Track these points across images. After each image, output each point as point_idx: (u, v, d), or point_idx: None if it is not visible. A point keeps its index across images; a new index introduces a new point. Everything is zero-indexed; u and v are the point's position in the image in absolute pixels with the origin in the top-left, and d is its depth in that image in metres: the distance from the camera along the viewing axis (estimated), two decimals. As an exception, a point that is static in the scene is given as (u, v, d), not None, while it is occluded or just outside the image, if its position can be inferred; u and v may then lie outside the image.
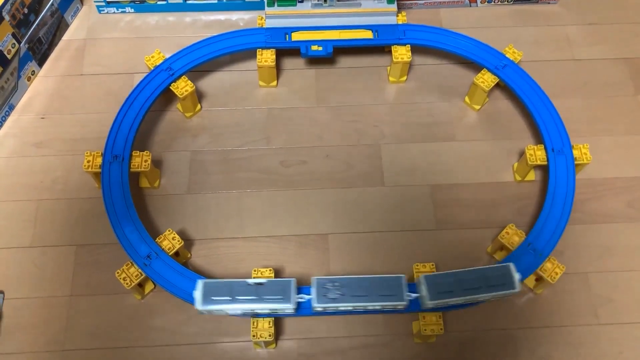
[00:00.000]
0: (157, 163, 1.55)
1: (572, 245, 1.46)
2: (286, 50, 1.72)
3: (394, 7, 1.60)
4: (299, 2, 1.60)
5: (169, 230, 1.36)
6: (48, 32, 1.67)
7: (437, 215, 1.51)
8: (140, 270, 1.31)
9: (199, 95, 1.64)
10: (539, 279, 1.39)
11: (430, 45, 1.62)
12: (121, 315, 1.38)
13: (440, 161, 1.58)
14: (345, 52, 1.73)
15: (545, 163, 1.46)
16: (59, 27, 1.71)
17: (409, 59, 1.60)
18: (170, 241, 1.35)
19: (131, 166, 1.42)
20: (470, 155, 1.59)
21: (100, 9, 1.76)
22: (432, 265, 1.34)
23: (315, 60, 1.72)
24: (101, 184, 1.39)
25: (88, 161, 1.42)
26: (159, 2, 1.75)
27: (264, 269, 1.32)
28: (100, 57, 1.70)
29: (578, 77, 1.71)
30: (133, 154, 1.43)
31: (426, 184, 1.55)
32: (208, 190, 1.53)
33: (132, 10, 1.76)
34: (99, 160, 1.42)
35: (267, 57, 1.58)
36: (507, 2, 1.81)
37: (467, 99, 1.65)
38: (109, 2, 1.74)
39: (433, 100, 1.66)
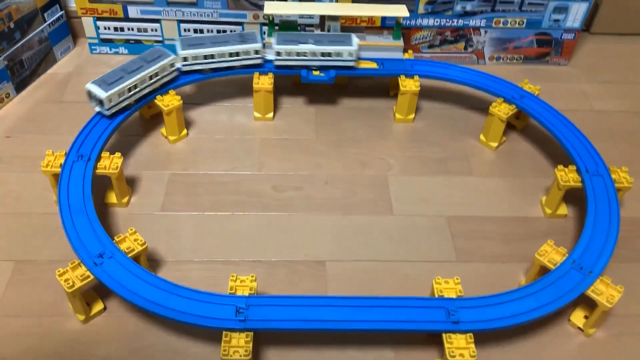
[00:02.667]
0: (129, 181, 1.34)
1: (625, 284, 1.19)
2: (285, 89, 1.61)
3: (400, 42, 1.52)
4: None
5: (131, 230, 1.11)
6: (33, 58, 1.56)
7: (457, 246, 1.26)
8: (88, 271, 1.03)
9: (187, 124, 1.48)
10: (589, 315, 1.11)
11: (441, 77, 1.51)
12: (58, 342, 1.07)
13: (457, 194, 1.37)
14: (347, 94, 1.62)
15: (580, 185, 1.25)
16: (46, 58, 1.62)
17: (418, 89, 1.47)
18: (131, 242, 1.09)
19: (97, 167, 1.22)
20: (490, 190, 1.39)
21: (92, 48, 1.68)
22: (457, 279, 1.07)
23: (315, 98, 1.59)
24: (59, 181, 1.17)
25: (48, 161, 1.21)
26: (154, 44, 1.68)
27: (244, 277, 1.05)
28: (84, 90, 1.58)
29: (601, 125, 1.57)
30: (102, 155, 1.24)
31: (441, 215, 1.32)
32: (186, 210, 1.30)
33: (126, 51, 1.69)
34: (61, 160, 1.21)
35: (264, 80, 1.46)
36: (517, 60, 1.75)
37: (482, 136, 1.49)
38: (102, 41, 1.67)
39: (444, 139, 1.50)
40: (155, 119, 1.50)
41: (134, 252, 1.08)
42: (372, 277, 1.19)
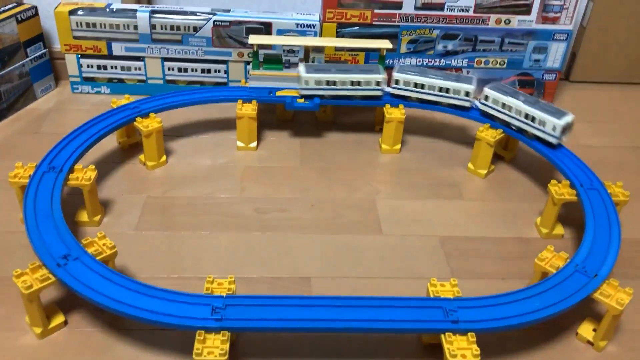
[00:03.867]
0: (103, 203, 1.26)
1: (635, 300, 1.11)
2: (269, 123, 1.58)
3: (384, 75, 1.52)
4: (286, 68, 1.52)
5: (100, 234, 1.02)
6: (11, 92, 1.53)
7: (452, 265, 1.18)
8: (50, 272, 0.94)
9: (167, 153, 1.43)
10: (597, 328, 1.02)
11: (424, 106, 1.49)
12: (9, 359, 0.95)
13: (448, 216, 1.31)
14: (333, 129, 1.59)
15: (575, 198, 1.21)
16: (25, 94, 1.59)
17: (403, 117, 1.46)
18: (99, 246, 1.01)
19: (69, 178, 1.15)
20: (482, 212, 1.33)
21: (74, 87, 1.66)
22: (454, 280, 0.98)
23: (300, 132, 1.56)
24: (25, 190, 1.10)
25: (17, 172, 1.14)
26: (138, 83, 1.66)
27: (222, 280, 0.96)
28: (63, 122, 1.54)
29: (591, 157, 1.53)
30: (75, 167, 1.17)
31: (434, 234, 1.26)
32: (161, 229, 1.22)
33: (108, 90, 1.67)
34: (31, 172, 1.15)
35: (247, 107, 1.44)
36: (500, 102, 1.75)
37: (470, 165, 1.46)
38: (85, 79, 1.65)
39: (432, 168, 1.47)
40: (134, 148, 1.45)
41: (103, 256, 0.99)
42: (361, 294, 1.10)
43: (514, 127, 1.38)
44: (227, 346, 0.85)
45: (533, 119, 1.32)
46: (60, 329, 0.99)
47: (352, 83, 1.42)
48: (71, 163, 1.17)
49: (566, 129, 1.30)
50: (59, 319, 0.99)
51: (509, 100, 1.36)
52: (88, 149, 1.24)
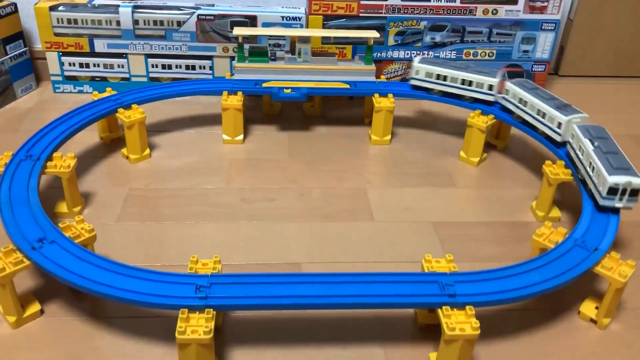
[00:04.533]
0: (84, 195, 1.22)
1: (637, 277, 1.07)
2: (255, 119, 1.55)
3: (372, 66, 1.50)
4: (272, 60, 1.49)
5: (79, 217, 0.98)
6: None
7: (447, 249, 1.14)
8: (24, 255, 0.89)
9: (151, 147, 1.39)
10: (600, 305, 0.98)
11: (415, 96, 1.47)
12: (-21, 349, 0.89)
13: (441, 203, 1.27)
14: (321, 122, 1.56)
15: (571, 178, 1.18)
16: (5, 93, 1.55)
17: (392, 105, 1.43)
18: (77, 229, 0.96)
19: (47, 166, 1.10)
20: (476, 199, 1.30)
21: (56, 86, 1.62)
22: (450, 256, 0.94)
23: (287, 126, 1.53)
24: (0, 177, 1.05)
25: (-8, 162, 1.10)
26: (121, 81, 1.63)
27: (207, 260, 0.91)
28: (43, 121, 1.46)
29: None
30: (53, 155, 1.13)
31: (427, 220, 1.22)
32: (144, 220, 1.17)
33: (91, 89, 1.63)
34: (7, 160, 1.10)
35: (233, 99, 1.40)
36: (490, 95, 1.73)
37: (462, 153, 1.43)
38: (67, 78, 1.61)
39: (423, 158, 1.43)
40: (116, 144, 1.41)
41: (81, 239, 0.94)
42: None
43: (527, 123, 1.31)
44: (212, 324, 0.80)
45: (543, 115, 1.25)
46: (36, 318, 0.94)
47: (463, 82, 1.37)
48: (49, 152, 1.13)
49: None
50: (35, 307, 0.94)
51: (526, 95, 1.29)
52: (68, 139, 1.20)
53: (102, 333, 0.92)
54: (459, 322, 0.83)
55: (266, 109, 1.59)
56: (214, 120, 1.52)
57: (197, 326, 0.80)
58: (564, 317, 1.01)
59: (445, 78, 1.40)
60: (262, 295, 0.84)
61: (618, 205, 1.04)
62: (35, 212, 0.97)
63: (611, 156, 1.07)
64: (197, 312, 0.82)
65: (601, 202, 1.04)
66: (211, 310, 0.81)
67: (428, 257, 0.94)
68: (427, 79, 1.42)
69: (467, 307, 0.84)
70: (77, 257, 0.89)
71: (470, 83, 1.38)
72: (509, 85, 1.35)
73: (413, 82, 1.44)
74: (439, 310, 0.85)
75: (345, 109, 1.64)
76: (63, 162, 1.12)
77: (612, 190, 1.03)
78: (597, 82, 1.89)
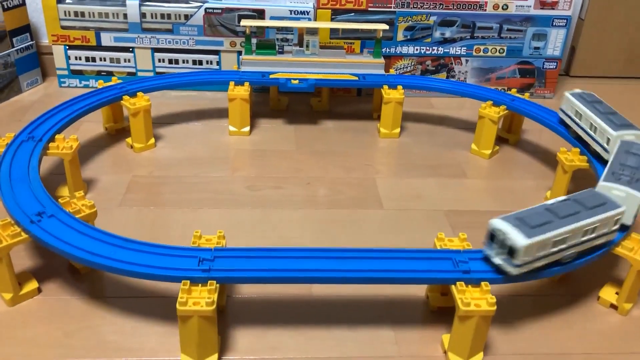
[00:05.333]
0: (87, 182, 1.19)
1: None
2: (262, 113, 1.53)
3: (381, 59, 1.47)
4: (279, 53, 1.48)
5: (79, 193, 0.95)
6: (-5, 81, 1.48)
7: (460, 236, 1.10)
8: (23, 229, 0.86)
9: (156, 138, 1.36)
10: (621, 290, 0.93)
11: (426, 87, 1.45)
12: (-27, 326, 0.86)
13: (452, 192, 1.24)
14: (329, 117, 1.53)
15: (587, 165, 1.14)
16: (10, 85, 1.53)
17: (402, 97, 1.40)
18: (77, 205, 0.93)
19: (49, 147, 1.08)
20: (488, 189, 1.26)
21: (62, 80, 1.61)
22: (463, 234, 0.90)
23: (295, 120, 1.50)
24: (1, 157, 1.02)
25: (-8, 142, 1.07)
26: (127, 76, 1.61)
27: (211, 236, 0.88)
28: None
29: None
30: (56, 137, 1.10)
31: (438, 209, 1.18)
32: (147, 205, 1.14)
33: (97, 84, 1.61)
34: (8, 142, 1.08)
35: (240, 89, 1.38)
36: (500, 93, 1.71)
37: (473, 145, 1.39)
38: (73, 73, 1.60)
39: (433, 150, 1.40)
40: (121, 134, 1.38)
41: (81, 215, 0.91)
42: (363, 264, 1.02)
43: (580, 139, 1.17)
44: (214, 296, 0.76)
45: (595, 130, 1.11)
46: (33, 296, 0.91)
47: (591, 126, 1.11)
48: (52, 134, 1.11)
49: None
50: (32, 285, 0.91)
51: (581, 107, 1.15)
52: (71, 122, 1.18)
53: (100, 312, 0.89)
54: (474, 298, 0.79)
55: (273, 104, 1.57)
56: (220, 114, 1.50)
57: (199, 298, 0.76)
58: (582, 302, 0.96)
59: (581, 117, 1.17)
60: (268, 269, 0.81)
61: None
62: (35, 188, 0.94)
63: (611, 117, 1.08)
64: (200, 285, 0.78)
65: (608, 156, 1.05)
66: (214, 282, 0.78)
67: (441, 235, 0.91)
68: (568, 113, 1.21)
69: (483, 283, 0.80)
70: (77, 230, 0.86)
71: (595, 129, 1.13)
72: (567, 96, 1.21)
73: (561, 114, 1.24)
74: (453, 286, 0.81)
75: (353, 104, 1.62)
76: (65, 143, 1.09)
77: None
78: (608, 82, 1.86)
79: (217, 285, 0.78)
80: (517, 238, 0.78)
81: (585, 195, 0.89)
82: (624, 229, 0.92)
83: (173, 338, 0.83)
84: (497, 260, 0.82)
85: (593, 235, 0.85)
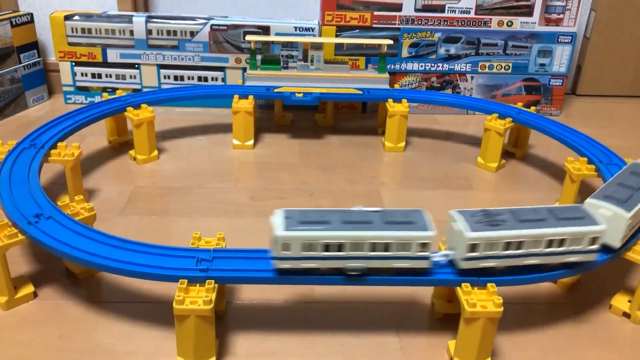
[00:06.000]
0: (89, 191, 1.18)
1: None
2: (267, 128, 1.52)
3: (386, 75, 1.47)
4: (284, 68, 1.48)
5: (79, 197, 0.93)
6: (1, 96, 1.49)
7: (464, 245, 1.07)
8: (20, 230, 0.84)
9: (159, 151, 1.36)
10: (633, 297, 0.90)
11: (428, 101, 1.44)
12: (-34, 330, 0.83)
13: (458, 204, 1.22)
14: (333, 132, 1.53)
15: (595, 174, 1.12)
16: (16, 100, 1.54)
17: (407, 110, 1.39)
18: (76, 208, 0.91)
19: (51, 154, 1.07)
20: (495, 201, 1.24)
21: (67, 97, 1.62)
22: (468, 238, 0.88)
23: (299, 134, 1.50)
24: (2, 162, 1.02)
25: (-6, 149, 1.07)
26: (132, 93, 1.62)
27: (211, 238, 0.86)
28: None
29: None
30: (58, 144, 1.10)
31: (443, 219, 1.15)
32: (149, 214, 1.13)
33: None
34: (10, 148, 1.07)
35: (244, 102, 1.38)
36: (506, 111, 1.70)
37: (480, 159, 1.38)
38: (79, 89, 1.61)
39: (439, 164, 1.39)
40: (124, 147, 1.38)
41: (80, 217, 0.89)
42: (367, 272, 0.99)
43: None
44: (212, 295, 0.74)
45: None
46: (29, 300, 0.89)
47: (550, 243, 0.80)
48: (54, 142, 1.10)
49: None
50: (28, 289, 0.89)
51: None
52: (74, 131, 1.18)
53: (97, 316, 0.87)
54: (480, 299, 0.76)
55: (278, 119, 1.56)
56: (225, 129, 1.50)
57: (196, 297, 0.74)
58: (594, 311, 0.93)
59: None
60: (267, 269, 0.78)
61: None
62: (34, 191, 0.93)
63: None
64: (198, 285, 0.76)
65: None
66: (212, 281, 0.75)
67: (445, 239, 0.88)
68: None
69: (489, 285, 0.78)
70: (74, 231, 0.84)
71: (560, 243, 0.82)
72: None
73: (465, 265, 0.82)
74: (458, 288, 0.78)
75: (358, 120, 1.61)
76: (67, 151, 1.09)
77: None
78: (615, 101, 1.85)
79: (216, 285, 0.76)
80: (464, 230, 0.76)
81: (566, 208, 0.83)
82: (611, 252, 0.85)
83: (170, 342, 0.81)
84: (447, 252, 0.80)
85: (561, 249, 0.79)
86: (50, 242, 0.82)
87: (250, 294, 0.92)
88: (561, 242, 0.79)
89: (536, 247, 0.78)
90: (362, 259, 0.76)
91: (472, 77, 1.65)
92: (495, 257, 0.78)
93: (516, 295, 0.95)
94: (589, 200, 0.87)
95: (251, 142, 1.41)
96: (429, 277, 0.80)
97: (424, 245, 0.76)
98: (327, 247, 0.75)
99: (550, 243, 0.78)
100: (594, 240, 0.80)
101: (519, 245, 0.78)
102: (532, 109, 1.39)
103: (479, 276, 0.79)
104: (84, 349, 0.81)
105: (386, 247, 0.76)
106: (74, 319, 0.86)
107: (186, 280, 0.75)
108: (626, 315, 0.91)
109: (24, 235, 0.84)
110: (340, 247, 0.75)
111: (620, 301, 0.93)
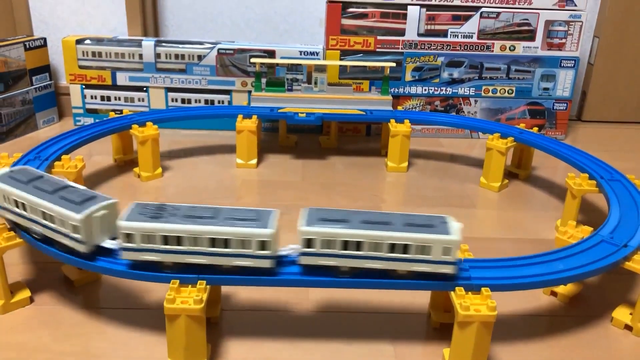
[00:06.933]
0: (91, 205, 1.20)
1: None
2: (271, 148, 1.54)
3: (389, 97, 1.49)
4: (288, 90, 1.50)
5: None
6: (12, 116, 1.52)
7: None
8: (15, 234, 0.85)
9: (164, 169, 1.38)
10: (634, 309, 0.88)
11: (431, 121, 1.45)
12: (-39, 333, 0.84)
13: (461, 221, 1.20)
14: (337, 153, 1.54)
15: (596, 189, 1.11)
16: (27, 121, 1.57)
17: (409, 130, 1.40)
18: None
19: (54, 166, 1.09)
20: (498, 218, 1.23)
21: (77, 119, 1.65)
22: (465, 245, 0.87)
23: (303, 155, 1.51)
24: (7, 172, 1.04)
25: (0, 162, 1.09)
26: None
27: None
28: None
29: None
30: (62, 157, 1.12)
31: (444, 235, 1.15)
32: (149, 227, 1.13)
33: (111, 122, 1.65)
34: (14, 160, 1.09)
35: (247, 121, 1.40)
36: (511, 135, 1.70)
37: (482, 179, 1.38)
38: (88, 111, 1.64)
39: (442, 184, 1.39)
40: (129, 165, 1.40)
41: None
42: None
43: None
44: (204, 295, 0.74)
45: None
46: (25, 305, 0.89)
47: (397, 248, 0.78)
48: (58, 155, 1.12)
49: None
50: (24, 294, 0.89)
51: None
52: (79, 146, 1.20)
53: (91, 321, 0.86)
54: (473, 303, 0.75)
55: (282, 140, 1.58)
56: (230, 149, 1.51)
57: (187, 297, 0.74)
58: (595, 323, 0.91)
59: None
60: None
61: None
62: (35, 197, 0.94)
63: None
64: (190, 286, 0.76)
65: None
66: (204, 282, 0.75)
67: (442, 246, 0.88)
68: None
69: (483, 289, 0.77)
70: (71, 236, 0.85)
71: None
72: None
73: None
74: (452, 293, 0.77)
75: (361, 142, 1.62)
76: (71, 163, 1.10)
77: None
78: (621, 127, 1.85)
79: (207, 286, 0.76)
80: (121, 219, 0.75)
81: (423, 216, 0.80)
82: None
83: (162, 347, 0.80)
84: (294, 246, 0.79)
85: (406, 256, 0.75)
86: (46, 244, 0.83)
87: (245, 301, 0.92)
88: (405, 249, 0.76)
89: (377, 250, 0.76)
90: (232, 257, 0.75)
91: (475, 101, 1.66)
92: (334, 255, 0.76)
93: (517, 307, 0.93)
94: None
95: (254, 161, 1.43)
96: (427, 280, 0.79)
97: (447, 250, 0.75)
98: (163, 239, 0.74)
99: (392, 248, 0.76)
100: (447, 251, 0.76)
101: (358, 246, 0.76)
102: (535, 129, 1.39)
103: (324, 276, 0.78)
104: (76, 353, 0.80)
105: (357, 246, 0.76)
106: (69, 324, 0.86)
107: (178, 281, 0.76)
108: (628, 327, 0.89)
109: (21, 239, 0.85)
110: (176, 239, 0.75)
111: (621, 314, 0.91)
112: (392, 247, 0.76)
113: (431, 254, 0.76)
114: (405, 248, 0.76)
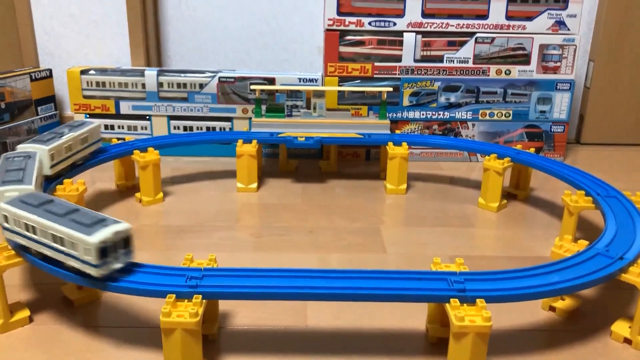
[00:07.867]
0: (92, 229, 1.21)
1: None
2: (271, 172, 1.56)
3: (387, 121, 1.51)
4: (288, 116, 1.53)
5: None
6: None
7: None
8: (15, 252, 0.87)
9: (165, 194, 1.39)
10: (633, 322, 0.88)
11: (428, 143, 1.47)
12: (-40, 352, 0.84)
13: (459, 240, 1.22)
14: (337, 176, 1.55)
15: (592, 206, 1.12)
16: (32, 150, 1.60)
17: (407, 152, 1.42)
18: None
19: (56, 189, 1.11)
20: (496, 237, 1.24)
21: (81, 148, 1.68)
22: (461, 259, 0.88)
23: (303, 178, 1.53)
24: (10, 196, 1.06)
25: (5, 186, 1.11)
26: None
27: (202, 260, 0.87)
28: None
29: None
30: (64, 180, 1.14)
31: (443, 254, 1.15)
32: (149, 249, 1.14)
33: (114, 151, 1.68)
34: (19, 186, 1.11)
35: (247, 146, 1.42)
36: (509, 157, 1.71)
37: (480, 199, 1.38)
38: (92, 140, 1.67)
39: (441, 205, 1.39)
40: (131, 190, 1.42)
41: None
42: (362, 305, 0.98)
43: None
44: (199, 309, 0.75)
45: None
46: (24, 324, 0.90)
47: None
48: (61, 179, 1.14)
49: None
50: (23, 313, 0.90)
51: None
52: (82, 170, 1.22)
53: (89, 340, 0.87)
54: (468, 314, 0.76)
55: (282, 166, 1.60)
56: (231, 175, 1.53)
57: (183, 311, 0.75)
58: (595, 337, 0.91)
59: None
60: (256, 285, 0.79)
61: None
62: (36, 218, 0.96)
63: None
64: (186, 300, 0.77)
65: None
66: (199, 296, 0.76)
67: (437, 260, 0.88)
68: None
69: (478, 300, 0.77)
70: (70, 254, 0.86)
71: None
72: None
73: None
74: (447, 304, 0.78)
75: (361, 167, 1.64)
76: (73, 186, 1.12)
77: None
78: (619, 149, 1.86)
79: (204, 300, 0.77)
80: None
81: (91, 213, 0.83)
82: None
83: (159, 364, 0.81)
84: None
85: (62, 248, 0.79)
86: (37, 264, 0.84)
87: (243, 319, 0.92)
88: (61, 241, 0.79)
89: (47, 238, 0.81)
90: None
91: (473, 125, 1.68)
92: (22, 235, 0.83)
93: (515, 322, 0.93)
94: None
95: (255, 185, 1.44)
96: (422, 292, 0.79)
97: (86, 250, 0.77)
98: (26, 227, 0.82)
99: (54, 238, 0.80)
100: (88, 252, 0.76)
101: (34, 230, 0.81)
102: (531, 149, 1.40)
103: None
104: (73, 369, 0.81)
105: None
106: (66, 342, 0.86)
107: (174, 295, 0.76)
108: (627, 341, 0.89)
109: (21, 257, 0.86)
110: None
111: (620, 327, 0.90)
112: (55, 238, 0.80)
113: (77, 252, 0.78)
114: (62, 241, 0.79)
